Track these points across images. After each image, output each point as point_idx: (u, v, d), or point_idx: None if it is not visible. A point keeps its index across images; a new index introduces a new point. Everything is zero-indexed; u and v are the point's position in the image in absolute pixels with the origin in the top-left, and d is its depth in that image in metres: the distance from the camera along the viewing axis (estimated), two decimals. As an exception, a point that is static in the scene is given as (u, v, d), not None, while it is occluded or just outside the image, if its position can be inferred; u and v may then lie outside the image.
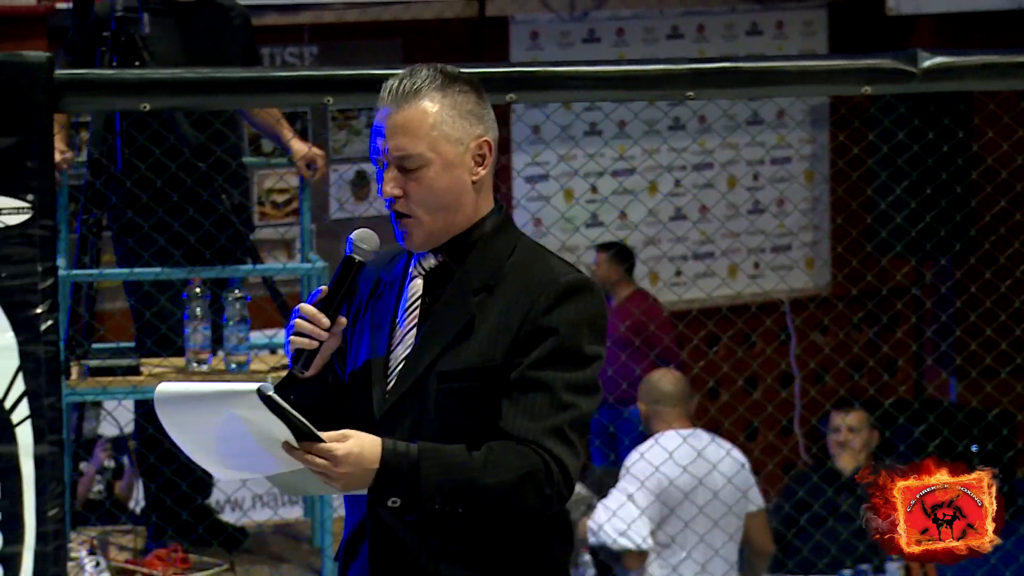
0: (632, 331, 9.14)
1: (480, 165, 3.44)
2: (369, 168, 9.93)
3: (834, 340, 10.36)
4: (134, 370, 5.81)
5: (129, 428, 6.85)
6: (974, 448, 9.49)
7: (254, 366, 5.88)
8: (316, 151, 6.33)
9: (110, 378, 5.78)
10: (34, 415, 5.03)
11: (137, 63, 5.88)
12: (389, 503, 3.35)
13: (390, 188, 3.41)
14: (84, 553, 5.76)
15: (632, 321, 9.26)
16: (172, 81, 5.49)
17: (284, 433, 3.28)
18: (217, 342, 5.90)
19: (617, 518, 6.78)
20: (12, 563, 4.99)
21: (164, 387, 3.38)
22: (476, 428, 3.38)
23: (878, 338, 9.44)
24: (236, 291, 5.85)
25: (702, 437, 6.94)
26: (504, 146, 10.09)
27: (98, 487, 8.38)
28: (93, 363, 5.81)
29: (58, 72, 5.15)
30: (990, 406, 9.22)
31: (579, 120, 9.43)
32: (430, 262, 3.47)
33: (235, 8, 6.27)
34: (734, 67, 5.64)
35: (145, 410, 6.12)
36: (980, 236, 8.94)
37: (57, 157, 5.43)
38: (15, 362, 5.01)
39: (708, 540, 6.83)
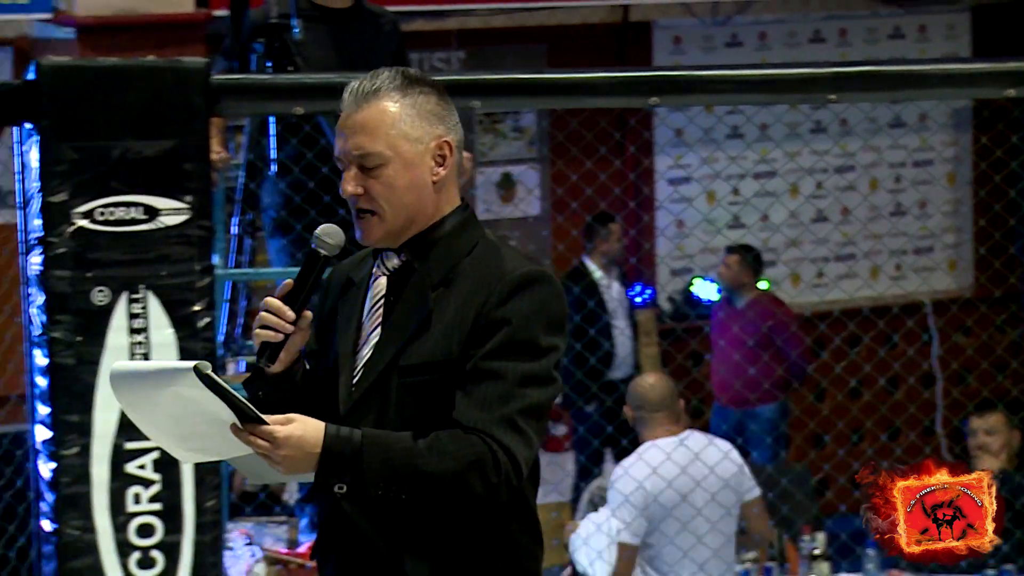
0: (768, 332, 9.09)
1: (440, 165, 3.42)
2: (515, 171, 9.97)
3: (977, 341, 10.23)
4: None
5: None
6: None
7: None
8: (465, 154, 6.34)
9: (265, 374, 5.83)
10: (192, 409, 5.10)
11: (290, 68, 5.95)
12: (335, 489, 3.30)
13: (350, 187, 3.39)
14: (240, 543, 5.84)
15: (767, 322, 9.22)
16: (324, 85, 5.55)
17: (229, 415, 3.24)
18: None
19: (601, 533, 6.65)
20: (173, 552, 5.07)
21: (117, 366, 3.38)
22: (436, 421, 3.34)
23: (1022, 339, 9.32)
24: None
25: (697, 439, 6.73)
26: (647, 149, 10.07)
27: (254, 480, 8.45)
28: (248, 359, 5.88)
29: (215, 77, 5.23)
30: None
31: (721, 123, 9.39)
32: (393, 262, 3.45)
33: (385, 15, 6.30)
34: (876, 71, 5.61)
35: None
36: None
37: (213, 158, 5.50)
38: (175, 357, 5.09)
39: (705, 543, 6.65)
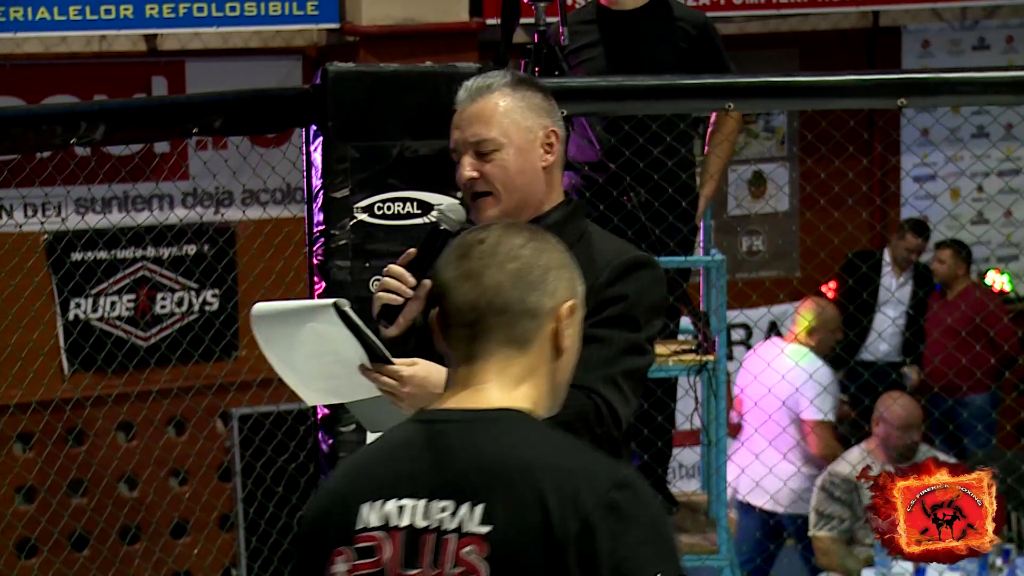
0: (967, 323, 8.82)
1: (549, 152, 3.51)
2: (766, 168, 9.83)
3: None
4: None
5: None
6: None
7: (658, 350, 5.83)
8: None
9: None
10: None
11: (556, 72, 5.90)
12: None
13: (468, 171, 3.48)
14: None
15: (979, 313, 8.96)
16: (586, 89, 5.50)
17: (359, 354, 3.27)
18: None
19: None
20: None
21: (259, 306, 3.40)
22: None
23: None
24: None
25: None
26: (894, 147, 9.84)
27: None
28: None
29: (485, 81, 5.20)
30: None
31: (967, 123, 9.14)
32: None
33: (690, 17, 6.14)
34: (1122, 72, 5.35)
35: None
36: None
37: None
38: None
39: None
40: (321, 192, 5.08)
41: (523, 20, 6.13)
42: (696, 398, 6.08)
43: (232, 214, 8.19)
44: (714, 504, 5.96)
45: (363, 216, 5.08)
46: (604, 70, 5.96)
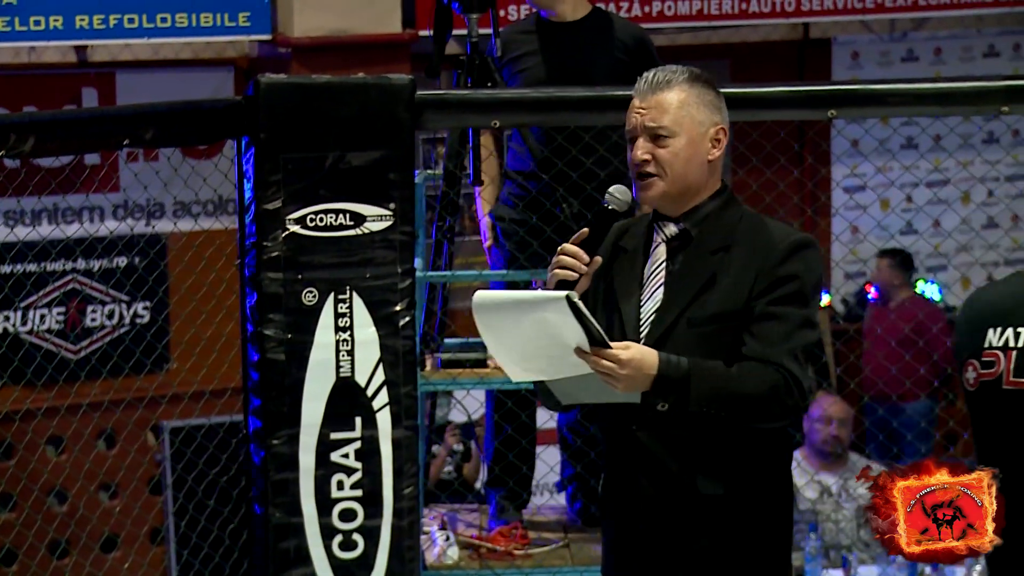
0: (913, 332, 8.89)
1: (715, 147, 3.81)
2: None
3: None
4: (481, 363, 5.85)
5: (476, 415, 6.90)
6: None
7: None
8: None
9: (460, 370, 5.82)
10: (392, 402, 5.10)
11: (489, 84, 5.91)
12: (658, 407, 3.66)
13: (640, 153, 3.76)
14: (435, 528, 5.82)
15: (913, 323, 9.03)
16: (518, 100, 5.51)
17: (578, 339, 3.57)
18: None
19: None
20: (373, 535, 5.07)
21: (481, 293, 3.67)
22: (719, 361, 3.69)
23: None
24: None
25: None
26: (824, 158, 9.91)
27: (448, 468, 8.48)
28: (445, 356, 5.87)
29: (419, 92, 5.21)
30: None
31: (896, 134, 9.22)
32: (671, 229, 3.82)
33: (628, 29, 6.17)
34: (1049, 84, 5.42)
35: (492, 398, 6.16)
36: None
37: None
38: (376, 354, 5.08)
39: None
40: (253, 204, 5.06)
41: (456, 31, 6.14)
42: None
43: (163, 226, 8.15)
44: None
45: (295, 228, 5.06)
46: (542, 80, 5.98)
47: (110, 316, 8.12)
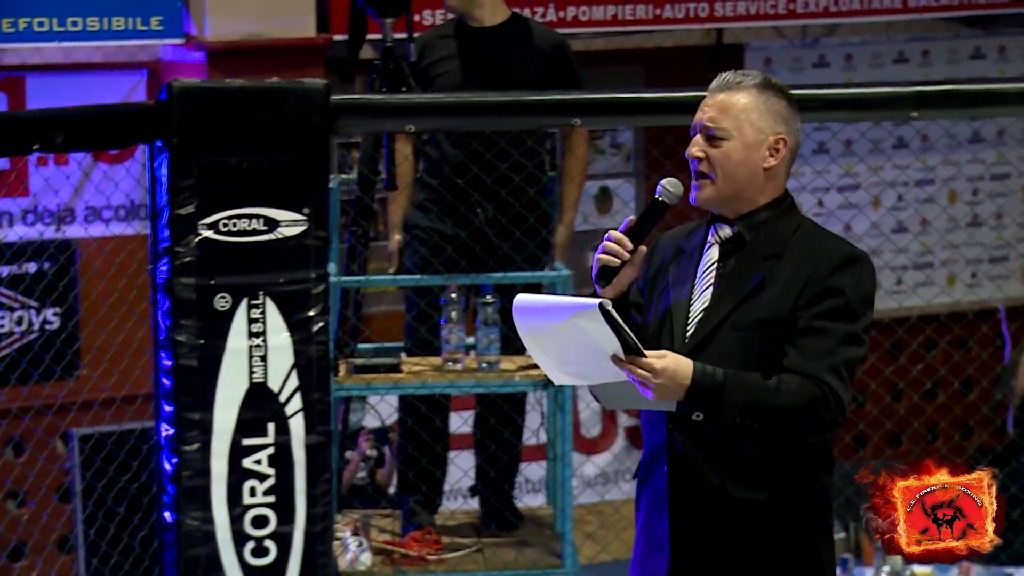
0: None
1: (773, 156, 3.76)
2: (612, 184, 9.93)
3: (1049, 346, 10.05)
4: (395, 368, 5.85)
5: (390, 420, 6.89)
6: None
7: (504, 366, 5.88)
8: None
9: (373, 375, 5.82)
10: (306, 408, 5.09)
11: (404, 88, 5.91)
12: (693, 416, 3.66)
13: (695, 150, 3.77)
14: (348, 534, 5.81)
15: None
16: (434, 105, 5.51)
17: (614, 346, 3.58)
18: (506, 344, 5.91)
19: None
20: (285, 541, 5.05)
21: (521, 297, 3.71)
22: (758, 369, 3.67)
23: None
24: (488, 297, 5.85)
25: None
26: (738, 163, 9.95)
27: (361, 474, 8.46)
28: (359, 361, 5.86)
29: (333, 97, 5.20)
30: None
31: (808, 139, 9.29)
32: (726, 232, 3.80)
33: (546, 35, 6.18)
34: (956, 89, 5.50)
35: (405, 404, 6.16)
36: None
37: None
38: (290, 360, 5.07)
39: None
40: (166, 209, 5.04)
41: (370, 36, 6.14)
42: (542, 413, 6.11)
43: (74, 231, 8.07)
44: (559, 518, 6.00)
45: (208, 233, 5.04)
46: (461, 85, 5.99)
47: (19, 323, 8.04)
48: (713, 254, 3.80)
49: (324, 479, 5.10)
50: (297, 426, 5.07)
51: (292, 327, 5.08)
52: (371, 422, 8.35)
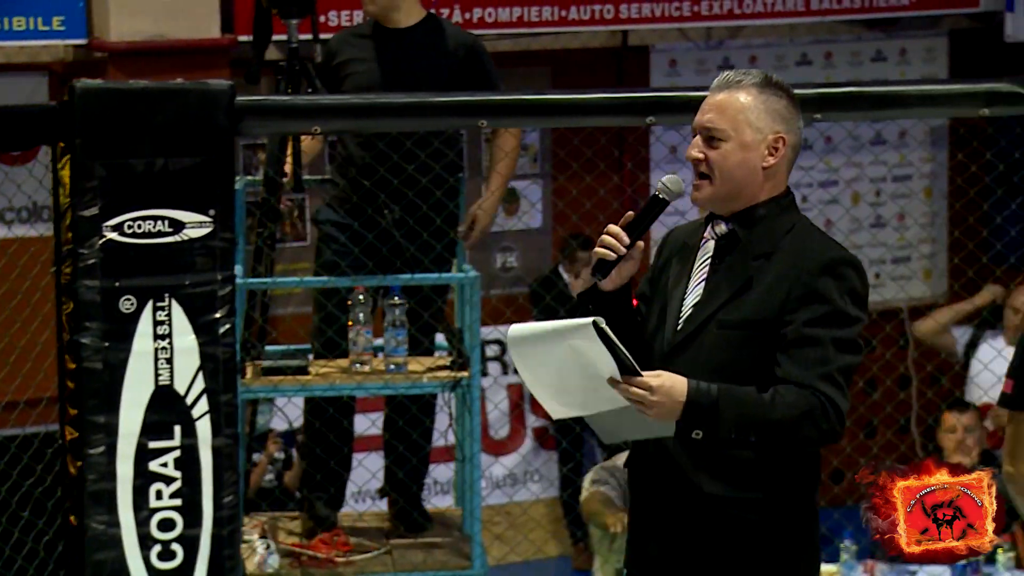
0: None
1: (772, 155, 3.77)
2: (519, 185, 9.95)
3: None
4: (303, 370, 5.84)
5: (298, 423, 6.87)
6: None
7: (411, 367, 5.88)
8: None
9: (281, 377, 5.80)
10: (212, 410, 5.06)
11: (310, 90, 5.90)
12: (692, 435, 3.68)
13: (694, 152, 3.80)
14: (256, 536, 5.79)
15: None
16: (340, 106, 5.50)
17: (610, 367, 3.58)
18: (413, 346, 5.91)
19: None
20: (192, 545, 5.03)
21: (515, 328, 3.70)
22: (741, 369, 3.70)
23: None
24: (396, 298, 5.85)
25: None
26: (643, 165, 10.02)
27: (269, 476, 8.44)
28: (266, 363, 5.84)
29: (239, 98, 5.18)
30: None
31: (713, 142, 9.32)
32: (721, 228, 3.82)
33: (459, 37, 6.19)
34: (858, 91, 5.56)
35: (312, 406, 6.14)
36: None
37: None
38: (196, 362, 5.05)
39: None
40: (69, 211, 5.00)
41: (275, 37, 6.12)
42: (451, 414, 6.13)
43: (-24, 233, 7.99)
44: (468, 519, 6.01)
45: (112, 235, 5.01)
46: (374, 85, 5.98)
47: (-80, 325, 7.93)
48: (708, 250, 3.83)
49: (231, 482, 5.08)
50: (204, 429, 5.05)
51: (198, 329, 5.06)
52: (279, 424, 8.33)
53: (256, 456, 8.14)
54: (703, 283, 3.80)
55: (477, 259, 8.37)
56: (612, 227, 3.76)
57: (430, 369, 5.90)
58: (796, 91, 5.63)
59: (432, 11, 6.22)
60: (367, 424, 6.51)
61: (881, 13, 10.30)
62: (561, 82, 9.70)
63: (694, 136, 3.81)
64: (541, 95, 5.86)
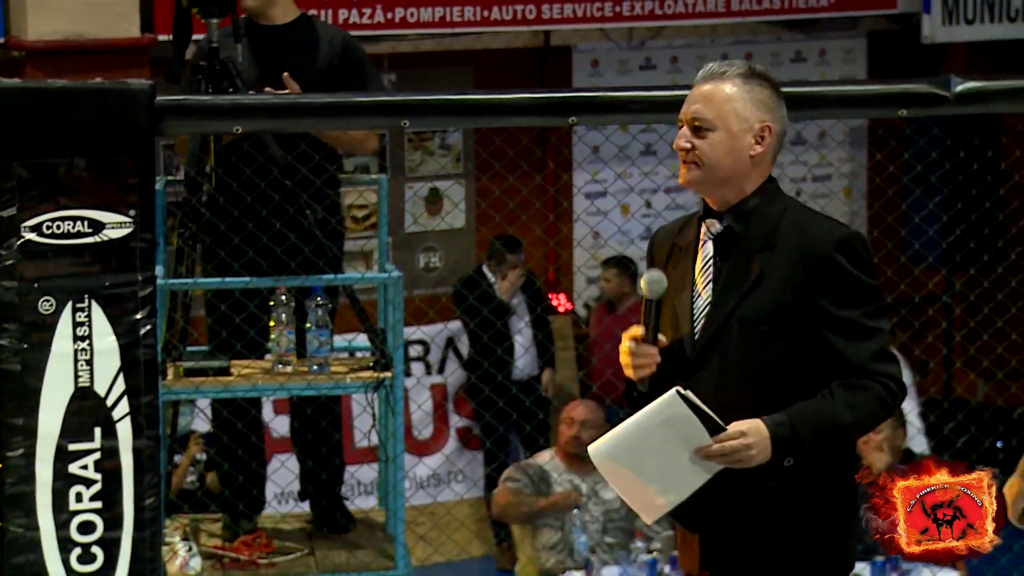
0: None
1: (759, 144, 3.85)
2: (442, 185, 9.95)
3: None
4: (224, 371, 5.81)
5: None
6: (999, 444, 9.37)
7: (334, 368, 5.86)
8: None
9: (202, 378, 5.77)
10: (133, 412, 5.02)
11: (231, 90, 5.86)
12: (784, 463, 3.71)
13: (682, 142, 3.85)
14: (178, 538, 5.75)
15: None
16: (261, 106, 5.47)
17: (700, 434, 3.65)
18: (301, 345, 5.88)
19: None
20: (112, 548, 4.98)
21: (596, 448, 3.78)
22: (773, 363, 3.76)
23: (911, 342, 9.34)
24: (318, 299, 5.83)
25: None
26: (566, 165, 10.04)
27: (191, 478, 8.39)
28: (187, 364, 5.81)
29: (159, 98, 5.15)
30: (1015, 405, 9.12)
31: (636, 141, 9.38)
32: (716, 227, 3.85)
33: (332, 34, 6.17)
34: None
35: (220, 420, 6.12)
36: (1007, 247, 8.83)
37: None
38: (116, 363, 5.01)
39: None
40: (-14, 211, 4.94)
41: (196, 36, 6.08)
42: (374, 415, 6.11)
43: None
44: (391, 520, 5.99)
45: (31, 235, 4.96)
46: (251, 82, 5.96)
47: None
48: (708, 250, 3.86)
49: (152, 484, 5.04)
50: (124, 430, 5.00)
51: (119, 330, 5.01)
52: (200, 425, 8.28)
53: (177, 458, 8.09)
54: (711, 284, 3.84)
55: (400, 259, 8.38)
56: (633, 346, 3.84)
57: (353, 370, 5.88)
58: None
59: (305, 11, 6.20)
60: (289, 426, 6.48)
61: (801, 14, 10.37)
62: (483, 82, 9.71)
63: (680, 127, 3.87)
64: (463, 95, 5.84)
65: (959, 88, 5.34)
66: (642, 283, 3.83)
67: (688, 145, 3.83)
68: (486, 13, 9.45)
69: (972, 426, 8.18)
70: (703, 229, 3.88)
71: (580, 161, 9.97)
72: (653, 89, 5.77)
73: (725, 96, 3.83)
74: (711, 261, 3.85)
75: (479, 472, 9.84)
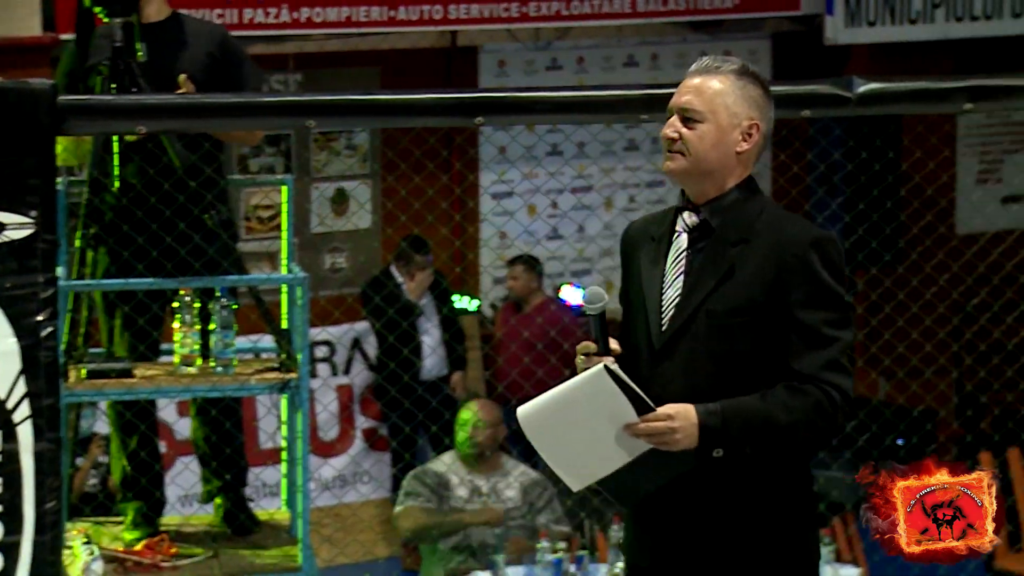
0: (559, 335, 9.06)
1: (745, 140, 3.87)
2: (348, 186, 9.92)
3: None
4: (127, 373, 5.75)
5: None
6: (899, 442, 9.48)
7: (239, 369, 5.82)
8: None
9: (105, 380, 5.71)
10: (34, 415, 4.97)
11: (135, 89, 5.80)
12: (714, 454, 3.71)
13: (669, 131, 3.87)
14: (79, 542, 5.69)
15: (558, 327, 9.23)
16: (165, 106, 5.43)
17: (625, 410, 3.66)
18: (205, 347, 5.83)
19: None
20: (12, 551, 4.93)
21: (524, 410, 3.76)
22: (738, 355, 3.76)
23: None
24: (223, 299, 5.79)
25: None
26: (472, 165, 10.05)
27: (93, 481, 8.31)
28: (89, 366, 5.75)
29: (61, 98, 5.09)
30: (915, 403, 9.22)
31: (542, 141, 9.40)
32: (692, 219, 3.87)
33: (207, 30, 6.12)
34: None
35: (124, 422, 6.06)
36: (908, 247, 8.92)
37: None
38: (17, 366, 4.95)
39: None
40: None
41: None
42: (279, 416, 6.07)
43: None
44: (297, 522, 5.96)
45: (-70, 237, 4.89)
46: None
47: None
48: (682, 242, 3.86)
49: (54, 487, 4.99)
50: (25, 433, 4.95)
51: (19, 332, 4.96)
52: (102, 428, 8.20)
53: (79, 460, 8.01)
54: (682, 276, 3.84)
55: (305, 260, 8.35)
56: (586, 361, 3.79)
57: (258, 371, 5.84)
58: (624, 92, 5.72)
59: (176, 10, 6.15)
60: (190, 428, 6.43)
61: (706, 15, 10.43)
62: (390, 82, 9.69)
63: (669, 117, 3.89)
64: (370, 95, 5.83)
65: (861, 89, 5.40)
66: (584, 300, 3.84)
67: (676, 135, 3.86)
68: (392, 13, 9.43)
69: (873, 424, 8.27)
70: (678, 221, 3.89)
71: (487, 161, 9.98)
72: (560, 90, 5.81)
73: (717, 90, 3.86)
74: (683, 253, 3.86)
75: (385, 473, 9.82)
